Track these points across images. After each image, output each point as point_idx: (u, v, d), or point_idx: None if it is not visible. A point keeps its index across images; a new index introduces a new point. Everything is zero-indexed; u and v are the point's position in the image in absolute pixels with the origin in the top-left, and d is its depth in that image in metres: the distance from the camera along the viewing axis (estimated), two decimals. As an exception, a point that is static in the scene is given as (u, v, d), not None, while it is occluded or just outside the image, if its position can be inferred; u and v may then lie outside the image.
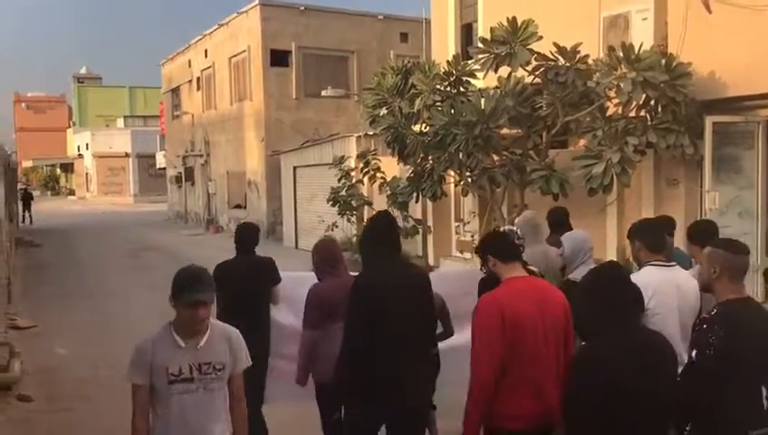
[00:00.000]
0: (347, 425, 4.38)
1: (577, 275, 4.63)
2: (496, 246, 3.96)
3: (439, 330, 5.21)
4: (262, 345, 5.35)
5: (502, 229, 5.31)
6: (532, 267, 4.73)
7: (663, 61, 8.32)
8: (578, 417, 3.12)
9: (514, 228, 5.38)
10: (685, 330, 4.01)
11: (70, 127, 64.06)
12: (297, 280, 5.61)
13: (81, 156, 54.63)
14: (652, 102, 8.61)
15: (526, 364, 3.54)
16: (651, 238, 4.45)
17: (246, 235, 5.87)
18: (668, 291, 4.22)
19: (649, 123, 8.67)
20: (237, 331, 3.62)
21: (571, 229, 6.23)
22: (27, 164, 63.05)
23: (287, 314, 5.64)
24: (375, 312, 4.04)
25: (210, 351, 3.44)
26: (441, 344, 5.19)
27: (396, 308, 4.06)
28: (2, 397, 7.33)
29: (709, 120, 8.54)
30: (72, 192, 58.27)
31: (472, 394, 3.60)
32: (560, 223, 6.69)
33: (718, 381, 3.15)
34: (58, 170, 65.53)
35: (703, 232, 4.89)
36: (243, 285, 5.52)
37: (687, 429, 3.31)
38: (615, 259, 9.35)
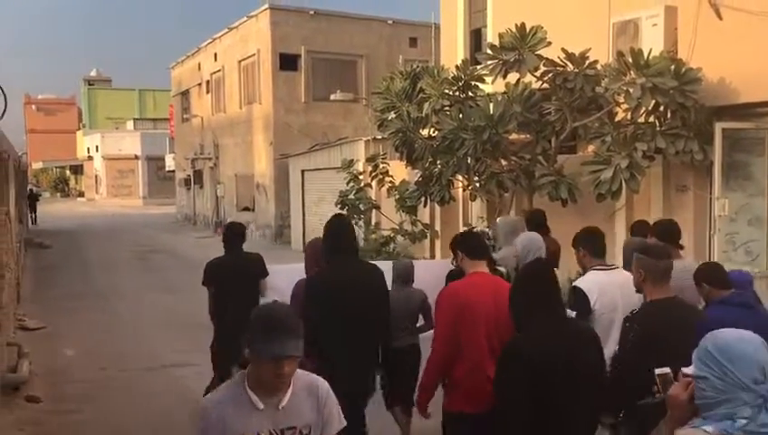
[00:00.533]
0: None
1: None
2: (466, 244, 4.42)
3: (421, 322, 5.92)
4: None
5: (475, 229, 5.70)
6: (500, 268, 5.23)
7: (672, 66, 8.30)
8: (506, 401, 3.33)
9: (487, 230, 5.73)
10: None
11: (80, 129, 64.37)
12: (286, 272, 6.11)
13: (90, 158, 54.89)
14: (661, 108, 8.59)
15: (481, 350, 3.93)
16: (593, 245, 4.87)
17: (233, 234, 6.35)
18: (611, 292, 4.55)
19: (658, 129, 8.65)
20: (326, 382, 2.93)
21: (549, 231, 6.73)
22: (37, 166, 63.38)
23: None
24: (325, 305, 4.45)
25: (294, 412, 2.75)
26: (423, 335, 5.73)
27: (347, 301, 4.46)
28: (11, 398, 7.35)
29: (719, 127, 8.52)
30: (81, 194, 58.56)
31: (428, 364, 4.17)
32: (538, 224, 6.86)
33: (638, 372, 3.26)
34: (68, 172, 65.86)
35: (668, 232, 5.37)
36: (231, 280, 5.99)
37: (621, 415, 3.67)
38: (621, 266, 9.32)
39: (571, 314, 4.34)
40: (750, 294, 4.42)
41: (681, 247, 5.64)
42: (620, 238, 10.12)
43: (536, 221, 7.00)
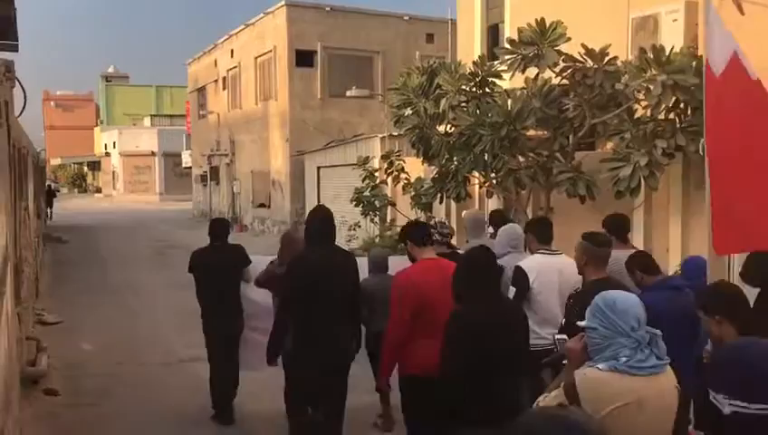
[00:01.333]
0: (288, 380, 5.70)
1: (503, 262, 5.50)
2: (412, 234, 5.03)
3: None
4: (236, 324, 6.62)
5: (419, 219, 7.16)
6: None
7: (694, 63, 8.20)
8: (448, 366, 3.85)
9: (445, 221, 7.30)
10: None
11: (97, 125, 64.82)
12: (264, 262, 6.55)
13: (108, 154, 55.25)
14: (682, 105, 8.49)
15: (432, 324, 4.31)
16: (540, 231, 5.62)
17: (218, 227, 7.04)
18: (550, 274, 5.25)
19: (679, 126, 8.55)
20: None
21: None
22: (56, 162, 63.90)
23: (258, 292, 6.50)
24: (302, 284, 5.05)
25: None
26: None
27: (321, 282, 5.04)
28: (30, 391, 7.41)
29: (740, 124, 8.41)
30: (98, 190, 58.97)
31: (385, 341, 4.74)
32: (500, 222, 7.30)
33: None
34: (85, 168, 66.36)
35: (616, 225, 6.27)
36: (214, 268, 6.66)
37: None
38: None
39: (512, 289, 5.18)
40: (701, 279, 4.58)
41: (627, 241, 6.36)
42: (638, 235, 10.03)
43: (498, 221, 7.49)
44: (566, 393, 2.84)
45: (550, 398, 2.92)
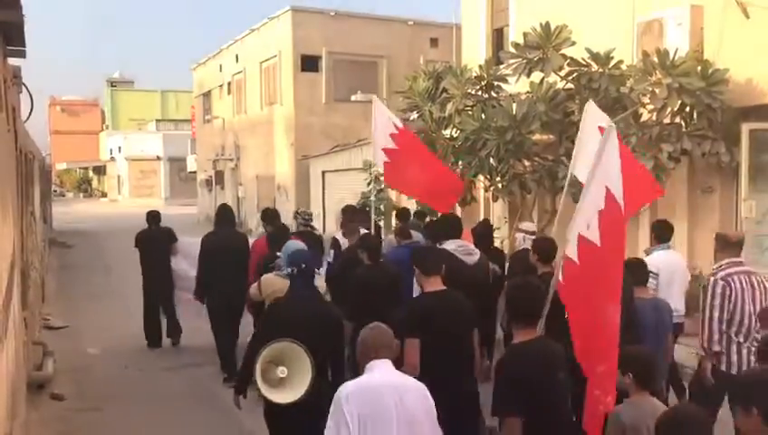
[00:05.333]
0: (207, 310, 8.22)
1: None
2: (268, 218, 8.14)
3: None
4: (167, 285, 9.50)
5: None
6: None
7: (699, 67, 8.20)
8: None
9: (306, 209, 10.33)
10: None
11: (103, 130, 65.01)
12: (190, 243, 9.27)
13: (113, 159, 55.41)
14: (687, 109, 8.49)
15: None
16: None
17: (152, 217, 10.06)
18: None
19: (684, 130, 8.55)
20: None
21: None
22: (61, 166, 64.07)
23: (183, 263, 9.38)
24: (208, 255, 8.06)
25: None
26: None
27: (221, 253, 7.94)
28: (36, 395, 7.43)
29: (746, 128, 8.40)
30: (104, 194, 59.15)
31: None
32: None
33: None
34: (91, 173, 66.53)
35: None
36: (152, 245, 9.71)
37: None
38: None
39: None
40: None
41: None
42: (644, 240, 10.00)
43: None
44: None
45: None
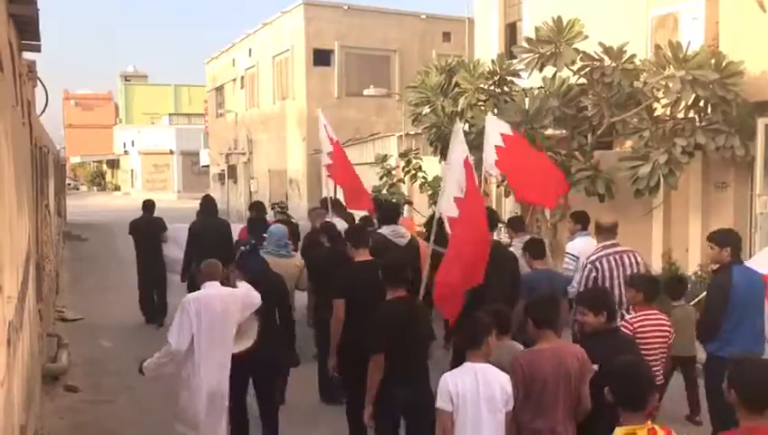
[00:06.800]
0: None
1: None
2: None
3: None
4: (160, 269, 10.31)
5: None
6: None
7: (713, 60, 8.14)
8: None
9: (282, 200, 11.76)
10: None
11: (116, 124, 65.31)
12: (179, 229, 9.97)
13: (126, 153, 55.65)
14: (701, 103, 8.43)
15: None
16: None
17: (146, 207, 10.91)
18: None
19: (698, 124, 8.50)
20: None
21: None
22: (75, 160, 64.44)
23: (173, 248, 10.03)
24: (195, 238, 9.01)
25: None
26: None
27: (206, 236, 8.84)
28: (51, 387, 7.50)
29: (761, 122, 8.33)
30: (117, 188, 59.43)
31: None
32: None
33: None
34: (104, 166, 66.86)
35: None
36: (144, 232, 10.56)
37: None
38: (659, 262, 9.19)
39: None
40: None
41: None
42: (657, 235, 9.96)
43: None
44: None
45: None
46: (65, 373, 7.94)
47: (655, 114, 8.78)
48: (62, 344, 8.55)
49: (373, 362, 4.63)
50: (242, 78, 30.00)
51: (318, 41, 23.60)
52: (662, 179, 8.42)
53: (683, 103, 8.32)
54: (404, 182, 14.05)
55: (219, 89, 33.59)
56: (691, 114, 8.64)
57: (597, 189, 9.02)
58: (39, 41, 5.82)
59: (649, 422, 3.13)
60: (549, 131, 9.81)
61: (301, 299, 7.96)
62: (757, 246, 8.50)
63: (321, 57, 23.74)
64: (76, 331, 10.18)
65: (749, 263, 5.58)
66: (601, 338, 4.22)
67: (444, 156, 11.23)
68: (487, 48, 13.41)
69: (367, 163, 17.25)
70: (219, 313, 5.06)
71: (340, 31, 23.68)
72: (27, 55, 6.53)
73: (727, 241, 5.21)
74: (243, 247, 6.26)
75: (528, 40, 9.21)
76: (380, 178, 13.81)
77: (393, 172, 13.93)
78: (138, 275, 10.78)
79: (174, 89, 66.13)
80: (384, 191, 13.65)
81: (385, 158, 14.30)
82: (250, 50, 28.64)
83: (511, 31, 13.70)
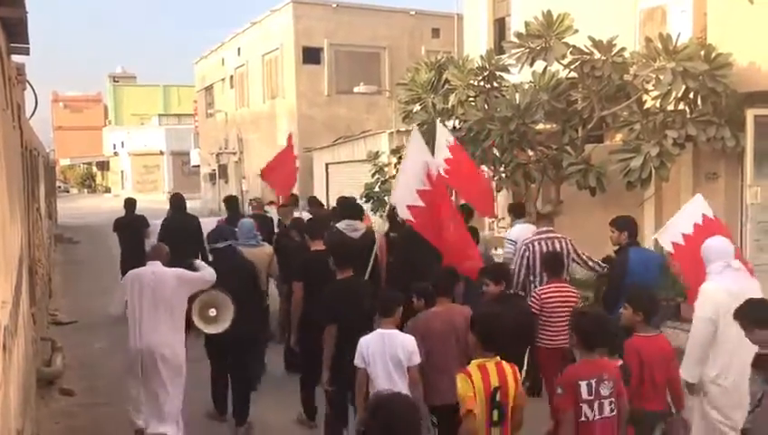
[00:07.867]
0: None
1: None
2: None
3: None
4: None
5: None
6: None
7: (702, 51, 8.18)
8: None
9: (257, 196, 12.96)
10: None
11: (106, 125, 65.01)
12: (159, 225, 10.15)
13: (116, 154, 55.43)
14: (691, 95, 8.47)
15: None
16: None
17: (129, 204, 12.16)
18: None
19: (689, 116, 8.53)
20: None
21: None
22: (65, 162, 64.12)
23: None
24: (167, 232, 9.45)
25: None
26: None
27: (177, 232, 9.24)
28: (46, 390, 7.47)
29: (751, 113, 8.37)
30: (107, 190, 59.18)
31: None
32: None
33: None
34: (94, 168, 66.56)
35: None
36: (128, 229, 11.64)
37: None
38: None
39: None
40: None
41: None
42: (649, 227, 10.00)
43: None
44: None
45: None
46: (60, 377, 7.91)
47: (645, 107, 8.81)
48: (56, 348, 8.52)
49: (327, 332, 5.37)
50: (231, 77, 29.91)
51: (307, 39, 23.55)
52: (653, 171, 8.46)
53: (673, 95, 8.35)
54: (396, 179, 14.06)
55: (209, 88, 33.49)
56: (681, 106, 8.67)
57: (588, 183, 9.05)
58: (28, 44, 5.78)
59: (497, 357, 4.02)
60: (540, 126, 9.84)
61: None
62: (748, 235, 8.55)
63: (310, 55, 23.69)
64: (70, 334, 10.14)
65: (660, 232, 6.15)
66: (500, 301, 5.39)
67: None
68: (476, 44, 13.42)
69: (358, 161, 17.27)
70: (150, 283, 5.88)
71: (330, 29, 23.64)
72: (16, 58, 6.49)
73: (625, 226, 6.30)
74: (217, 244, 6.86)
75: (518, 35, 9.22)
76: (372, 176, 13.82)
77: (385, 169, 13.94)
78: (120, 271, 11.03)
79: (163, 89, 65.88)
80: (377, 189, 13.67)
81: (377, 155, 14.32)
82: (239, 49, 28.55)
83: (500, 26, 13.71)
